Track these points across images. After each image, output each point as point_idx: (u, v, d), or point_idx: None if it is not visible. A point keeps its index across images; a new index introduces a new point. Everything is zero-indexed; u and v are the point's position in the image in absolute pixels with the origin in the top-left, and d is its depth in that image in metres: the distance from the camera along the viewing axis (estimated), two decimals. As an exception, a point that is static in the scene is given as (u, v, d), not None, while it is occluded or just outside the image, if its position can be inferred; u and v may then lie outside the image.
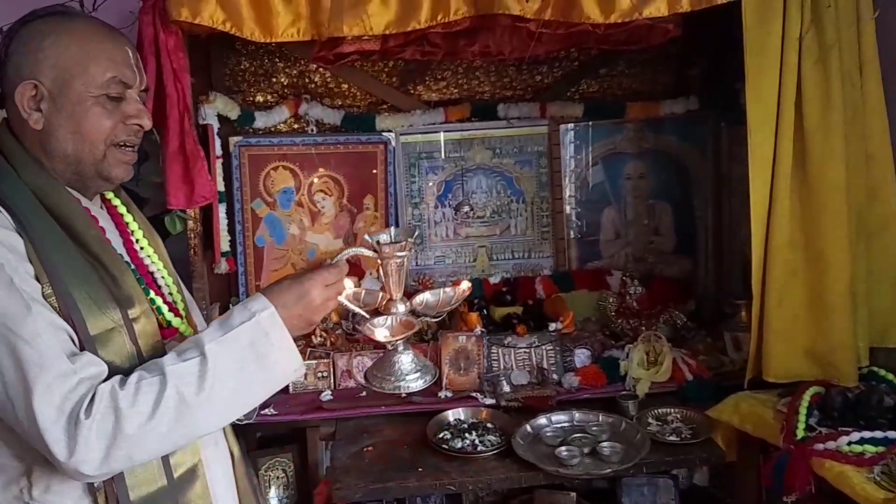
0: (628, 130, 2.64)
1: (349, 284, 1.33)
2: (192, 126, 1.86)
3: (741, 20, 1.89)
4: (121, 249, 1.31)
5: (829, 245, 1.92)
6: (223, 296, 2.48)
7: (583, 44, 2.44)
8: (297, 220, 2.57)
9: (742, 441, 2.11)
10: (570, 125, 2.62)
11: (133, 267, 1.31)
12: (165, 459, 1.21)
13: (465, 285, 1.44)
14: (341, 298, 1.27)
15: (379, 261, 1.34)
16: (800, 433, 1.82)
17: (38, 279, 1.12)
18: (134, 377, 1.11)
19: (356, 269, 2.49)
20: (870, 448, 1.70)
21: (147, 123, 1.28)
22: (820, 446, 1.75)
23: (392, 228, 1.38)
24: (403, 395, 1.46)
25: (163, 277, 1.39)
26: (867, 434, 1.74)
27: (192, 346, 1.15)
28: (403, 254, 1.33)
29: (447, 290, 1.46)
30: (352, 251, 1.33)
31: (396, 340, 1.34)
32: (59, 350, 1.09)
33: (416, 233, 1.38)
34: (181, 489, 1.24)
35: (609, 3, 1.87)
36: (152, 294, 1.30)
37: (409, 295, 1.40)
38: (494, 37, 2.36)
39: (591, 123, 2.62)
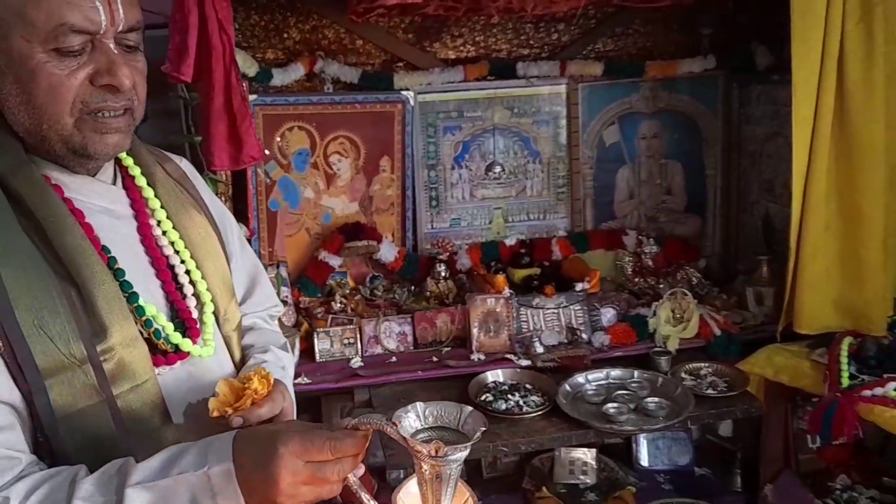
0: (644, 89, 2.64)
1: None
2: (240, 81, 1.74)
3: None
4: (132, 239, 1.08)
5: (865, 201, 2.00)
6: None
7: (601, 1, 2.42)
8: (312, 182, 2.47)
9: (770, 391, 2.19)
10: (588, 84, 2.60)
11: (144, 266, 1.08)
12: None
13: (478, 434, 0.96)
14: (351, 477, 0.94)
15: (426, 466, 0.90)
16: (844, 381, 1.90)
17: None
18: (36, 496, 0.86)
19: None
20: (916, 392, 1.80)
21: (124, 82, 0.95)
22: (868, 393, 1.83)
23: (440, 407, 0.95)
24: None
25: (187, 272, 1.11)
26: (915, 379, 1.83)
27: (115, 475, 0.89)
28: (458, 456, 0.89)
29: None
30: (370, 424, 0.91)
31: None
32: None
33: (484, 428, 0.92)
34: None
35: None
36: (152, 311, 1.02)
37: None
38: (518, -8, 2.31)
39: (607, 82, 2.61)
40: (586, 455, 2.50)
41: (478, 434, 0.90)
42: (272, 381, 1.05)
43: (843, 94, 1.96)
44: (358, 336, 2.31)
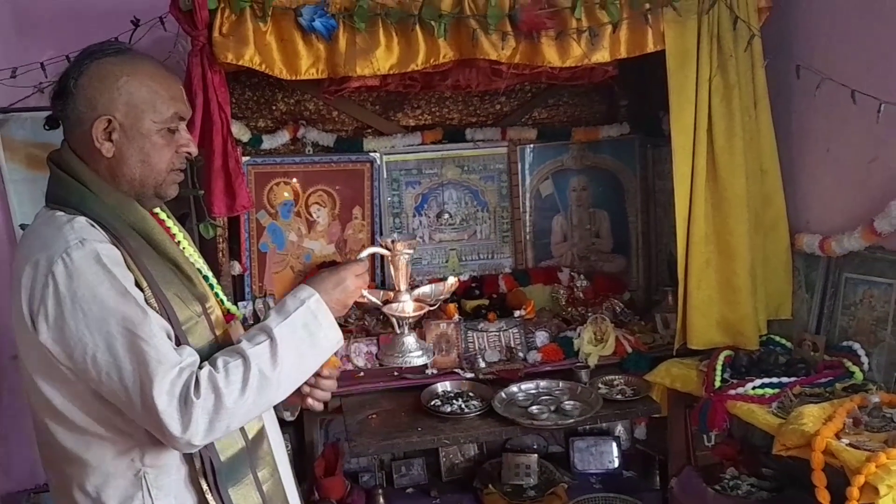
0: (573, 150, 3.16)
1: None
2: (234, 147, 2.25)
3: (662, 64, 2.42)
4: None
5: (735, 240, 2.46)
6: (234, 295, 2.84)
7: (536, 79, 2.93)
8: (295, 228, 2.97)
9: (672, 399, 2.63)
10: (526, 146, 3.13)
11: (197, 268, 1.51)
12: (241, 426, 1.40)
13: (452, 280, 1.72)
14: (364, 291, 1.51)
15: (391, 257, 1.60)
16: (717, 383, 2.35)
17: (138, 285, 1.29)
18: (221, 361, 1.29)
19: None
20: (769, 390, 2.25)
21: (195, 150, 1.46)
22: (732, 392, 2.28)
23: (396, 234, 1.71)
24: (409, 365, 1.66)
25: (205, 275, 1.55)
26: (766, 380, 2.29)
27: (260, 331, 1.34)
28: (410, 251, 1.60)
29: (440, 285, 1.71)
30: (371, 250, 1.60)
31: (419, 314, 1.63)
32: (170, 347, 1.27)
33: (418, 236, 1.71)
34: (254, 448, 1.46)
35: (565, 51, 2.36)
36: (217, 288, 1.54)
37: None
38: (465, 73, 2.80)
39: (541, 145, 3.14)
40: (530, 459, 2.93)
41: (416, 238, 1.68)
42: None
43: (713, 156, 2.44)
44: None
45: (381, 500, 2.77)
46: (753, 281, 2.49)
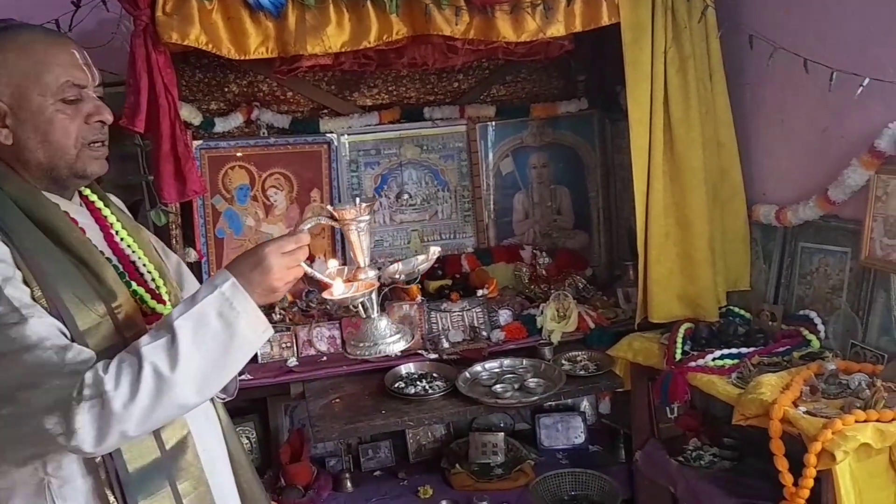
0: (532, 127, 3.14)
1: (333, 264, 1.41)
2: (183, 131, 2.18)
3: (618, 37, 2.40)
4: (101, 243, 1.38)
5: (693, 212, 2.48)
6: (191, 282, 2.78)
7: (493, 55, 2.90)
8: (252, 213, 2.91)
9: (635, 373, 2.64)
10: (485, 124, 3.10)
11: (115, 260, 1.38)
12: (157, 434, 1.30)
13: (435, 249, 1.52)
14: (304, 265, 1.29)
15: (342, 229, 1.38)
16: (678, 356, 2.36)
17: (27, 283, 1.19)
18: (115, 361, 1.18)
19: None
20: (728, 361, 2.27)
21: (108, 118, 1.32)
22: (693, 364, 2.29)
23: (357, 199, 1.42)
24: (388, 354, 1.46)
25: (144, 265, 1.43)
26: (726, 351, 2.31)
27: (161, 325, 1.21)
28: (365, 218, 1.36)
29: (416, 258, 1.51)
30: (313, 220, 1.37)
31: (355, 295, 1.38)
32: (51, 348, 1.16)
33: (377, 200, 1.49)
34: (173, 458, 1.33)
35: (519, 25, 2.34)
36: (134, 285, 1.36)
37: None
38: (420, 50, 2.76)
39: (501, 122, 3.11)
40: (496, 437, 2.93)
41: (374, 204, 1.43)
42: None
43: (670, 128, 2.45)
44: (294, 340, 2.74)
45: (349, 483, 2.75)
46: (712, 253, 2.51)
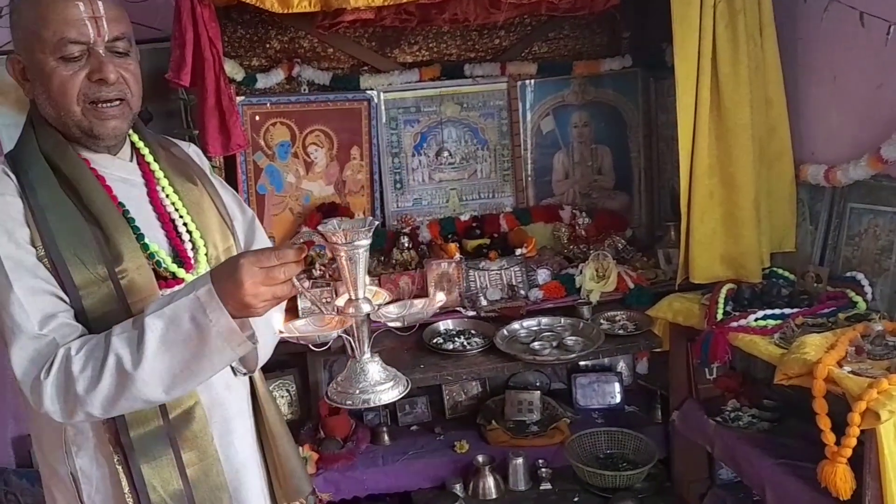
0: (574, 85, 3.10)
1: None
2: (228, 85, 2.20)
3: (665, -8, 2.34)
4: (142, 199, 1.37)
5: (738, 172, 2.43)
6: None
7: (535, 11, 2.85)
8: (293, 169, 2.93)
9: (674, 333, 2.63)
10: (526, 82, 3.06)
11: (154, 217, 1.37)
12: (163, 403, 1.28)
13: (441, 297, 1.37)
14: (295, 282, 1.14)
15: (331, 253, 1.25)
16: (719, 316, 2.34)
17: (33, 243, 1.21)
18: (89, 344, 1.18)
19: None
20: (771, 322, 2.24)
21: (109, 76, 1.25)
22: (734, 324, 2.27)
23: (363, 217, 1.26)
24: (377, 404, 1.24)
25: (185, 224, 1.40)
26: (769, 312, 2.28)
27: (139, 317, 1.18)
28: (363, 244, 1.15)
29: (415, 303, 1.32)
30: (305, 236, 1.33)
31: (322, 332, 1.25)
32: (34, 314, 1.18)
33: (374, 224, 1.18)
34: (177, 428, 1.33)
35: (565, -22, 2.31)
36: (154, 247, 1.33)
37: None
38: (462, 5, 2.73)
39: (542, 80, 3.07)
40: (532, 395, 2.96)
41: (373, 224, 1.17)
42: None
43: (717, 85, 2.39)
44: (334, 296, 2.77)
45: (386, 437, 2.80)
46: (757, 213, 2.46)
